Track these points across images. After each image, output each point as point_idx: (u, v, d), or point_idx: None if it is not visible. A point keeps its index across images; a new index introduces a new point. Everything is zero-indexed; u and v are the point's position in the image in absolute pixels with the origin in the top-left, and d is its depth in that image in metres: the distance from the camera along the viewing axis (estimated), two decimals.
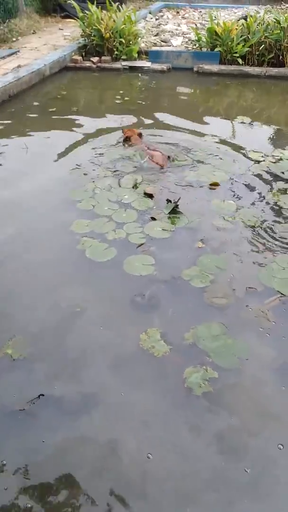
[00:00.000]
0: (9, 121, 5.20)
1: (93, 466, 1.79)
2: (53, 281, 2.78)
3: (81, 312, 2.52)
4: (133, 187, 3.79)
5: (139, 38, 7.78)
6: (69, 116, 5.38)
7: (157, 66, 7.27)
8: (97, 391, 2.09)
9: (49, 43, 8.03)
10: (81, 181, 3.88)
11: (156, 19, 10.49)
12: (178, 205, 3.41)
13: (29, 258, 2.96)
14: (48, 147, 4.59)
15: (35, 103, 5.77)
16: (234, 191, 3.78)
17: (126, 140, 4.56)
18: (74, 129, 5.04)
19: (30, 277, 2.81)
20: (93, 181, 3.85)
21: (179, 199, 3.43)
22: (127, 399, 2.06)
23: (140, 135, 4.64)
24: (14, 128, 5.02)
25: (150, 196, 3.60)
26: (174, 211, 3.40)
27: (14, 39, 8.25)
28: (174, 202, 3.41)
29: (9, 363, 2.22)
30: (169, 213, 3.39)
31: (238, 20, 7.69)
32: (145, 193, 3.63)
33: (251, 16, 7.45)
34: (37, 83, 6.41)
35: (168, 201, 3.46)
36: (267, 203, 3.63)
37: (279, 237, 3.19)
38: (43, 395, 2.05)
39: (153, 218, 3.36)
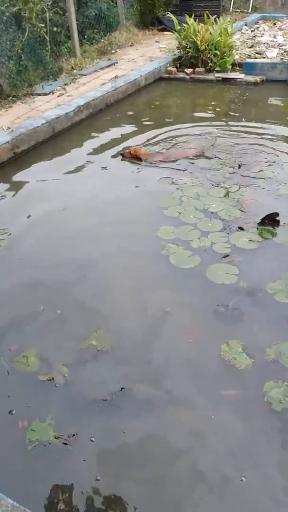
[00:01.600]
0: (105, 129, 5.49)
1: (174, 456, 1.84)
2: (137, 283, 2.89)
3: (164, 315, 2.59)
4: (224, 196, 3.81)
5: (234, 50, 7.79)
6: (161, 125, 5.54)
7: (250, 78, 7.22)
8: (174, 390, 2.14)
9: (145, 55, 8.34)
10: (169, 188, 3.98)
11: (252, 31, 10.43)
12: (278, 220, 3.38)
13: (117, 259, 3.11)
14: None
15: (130, 113, 6.02)
16: None
17: (135, 158, 4.51)
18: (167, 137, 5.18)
19: (116, 277, 2.94)
20: (181, 189, 3.94)
21: (277, 215, 3.39)
22: (206, 407, 2.08)
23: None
24: (109, 135, 5.29)
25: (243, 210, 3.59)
26: (264, 223, 3.37)
27: (113, 51, 8.68)
28: (270, 220, 3.38)
29: (94, 353, 2.35)
30: (259, 224, 3.36)
31: None
32: (241, 206, 3.63)
33: None
34: (133, 93, 6.68)
35: (267, 219, 3.41)
36: None
37: None
38: (124, 388, 2.14)
39: (240, 228, 3.35)
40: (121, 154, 4.60)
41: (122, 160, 4.55)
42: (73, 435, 1.90)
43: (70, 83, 6.79)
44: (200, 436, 1.94)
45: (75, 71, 7.38)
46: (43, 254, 3.19)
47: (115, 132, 5.39)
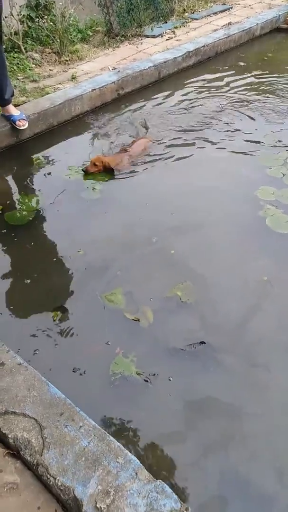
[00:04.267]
0: (214, 79, 5.22)
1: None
2: (228, 241, 2.81)
3: (256, 279, 2.51)
4: None
5: None
6: (272, 81, 5.15)
7: None
8: (257, 358, 2.10)
9: (264, 1, 7.68)
10: (275, 148, 3.74)
11: None
12: None
13: (212, 215, 3.03)
14: (246, 108, 4.50)
15: (241, 63, 5.65)
16: None
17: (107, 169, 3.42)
18: (278, 93, 4.81)
19: (208, 232, 2.87)
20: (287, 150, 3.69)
21: None
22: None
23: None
24: (214, 85, 5.03)
25: None
26: None
27: None
28: None
29: (177, 303, 2.35)
30: None
31: None
32: None
33: None
34: (245, 42, 6.25)
35: None
36: None
37: None
38: (204, 342, 2.14)
39: None
40: (83, 170, 3.44)
41: (84, 177, 3.40)
42: (154, 374, 1.96)
43: (180, 27, 6.49)
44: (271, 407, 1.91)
45: (186, 14, 7.02)
46: (147, 202, 3.18)
47: (226, 83, 5.09)
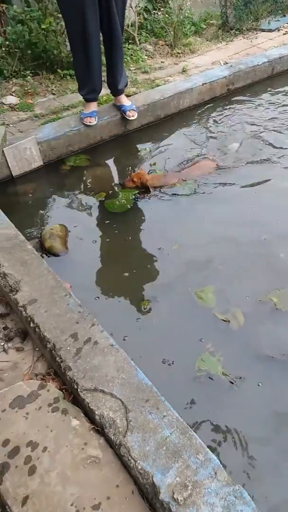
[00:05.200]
0: None
1: None
2: None
3: None
4: None
5: None
6: None
7: None
8: None
9: None
10: None
11: None
12: None
13: None
14: None
15: None
16: None
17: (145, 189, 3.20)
18: None
19: None
20: None
21: None
22: None
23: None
24: None
25: None
26: None
27: None
28: None
29: (271, 309, 2.28)
30: None
31: None
32: None
33: None
34: None
35: None
36: None
37: None
38: None
39: None
40: (120, 184, 3.31)
41: (122, 191, 3.23)
42: (240, 377, 1.92)
43: None
44: None
45: None
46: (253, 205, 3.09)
47: None
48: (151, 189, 3.18)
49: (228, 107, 4.33)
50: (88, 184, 3.38)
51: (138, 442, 1.51)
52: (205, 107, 4.33)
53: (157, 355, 2.05)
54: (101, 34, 3.31)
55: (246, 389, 1.89)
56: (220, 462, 1.44)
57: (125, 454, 1.50)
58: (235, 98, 4.49)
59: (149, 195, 3.17)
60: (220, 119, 4.12)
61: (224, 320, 2.20)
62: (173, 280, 2.47)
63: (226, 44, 5.64)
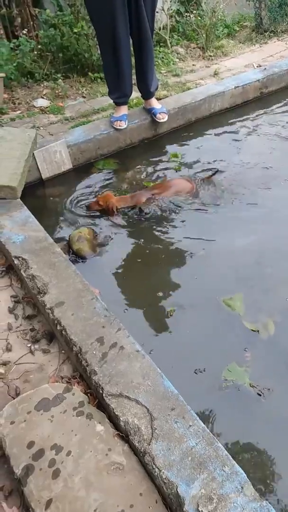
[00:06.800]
0: None
1: None
2: None
3: None
4: None
5: None
6: None
7: None
8: None
9: None
10: None
11: None
12: None
13: None
14: None
15: None
16: None
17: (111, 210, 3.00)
18: None
19: None
20: None
21: None
22: None
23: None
24: None
25: None
26: None
27: None
28: None
29: None
30: None
31: None
32: None
33: None
34: None
35: None
36: None
37: None
38: None
39: None
40: (86, 206, 3.14)
41: (87, 212, 3.09)
42: (269, 389, 1.87)
43: None
44: None
45: None
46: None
47: None
48: (115, 212, 3.00)
49: (262, 110, 4.26)
50: (117, 187, 3.38)
51: (163, 451, 1.49)
52: (237, 111, 4.27)
53: (179, 360, 2.02)
54: (130, 37, 3.31)
55: (274, 401, 1.84)
56: (248, 476, 1.41)
57: (150, 463, 1.48)
58: (269, 102, 4.41)
59: (111, 218, 3.00)
60: (252, 126, 4.05)
61: (253, 330, 2.15)
62: (198, 286, 2.44)
63: (260, 47, 5.56)
